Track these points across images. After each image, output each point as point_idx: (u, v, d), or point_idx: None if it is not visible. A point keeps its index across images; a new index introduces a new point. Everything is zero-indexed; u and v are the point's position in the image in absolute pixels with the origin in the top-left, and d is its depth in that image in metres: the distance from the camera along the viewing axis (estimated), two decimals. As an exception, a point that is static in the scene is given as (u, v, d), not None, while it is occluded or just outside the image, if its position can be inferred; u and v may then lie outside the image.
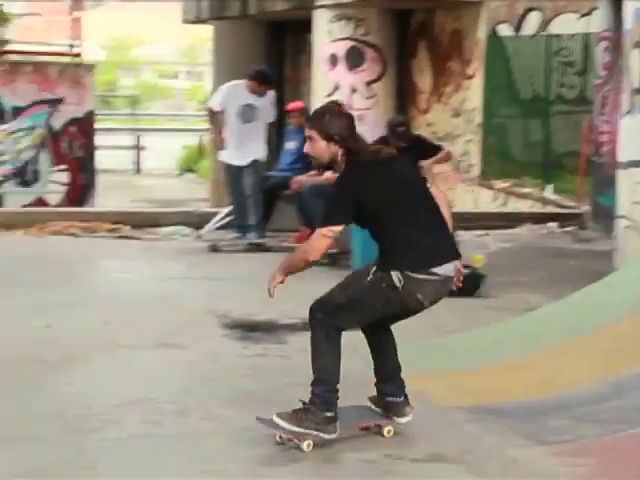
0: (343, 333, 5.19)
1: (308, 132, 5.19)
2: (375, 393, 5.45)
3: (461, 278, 5.22)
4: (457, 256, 5.18)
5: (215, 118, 11.09)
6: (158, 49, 51.48)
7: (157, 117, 34.58)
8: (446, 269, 5.08)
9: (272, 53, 20.43)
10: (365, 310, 5.12)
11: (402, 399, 5.35)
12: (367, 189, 5.08)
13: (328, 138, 5.13)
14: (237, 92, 10.84)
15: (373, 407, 5.44)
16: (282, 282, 5.11)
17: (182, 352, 6.97)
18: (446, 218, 5.22)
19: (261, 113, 10.86)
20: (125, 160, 22.39)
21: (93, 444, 5.27)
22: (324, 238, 5.06)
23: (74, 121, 14.39)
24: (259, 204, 10.85)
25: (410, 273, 5.01)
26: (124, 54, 49.29)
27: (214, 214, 11.72)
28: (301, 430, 5.12)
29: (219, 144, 11.12)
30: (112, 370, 6.58)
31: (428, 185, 5.28)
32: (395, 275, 5.03)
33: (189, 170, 23.69)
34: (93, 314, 7.94)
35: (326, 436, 5.14)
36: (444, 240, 5.16)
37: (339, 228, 5.07)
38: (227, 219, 11.25)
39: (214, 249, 10.90)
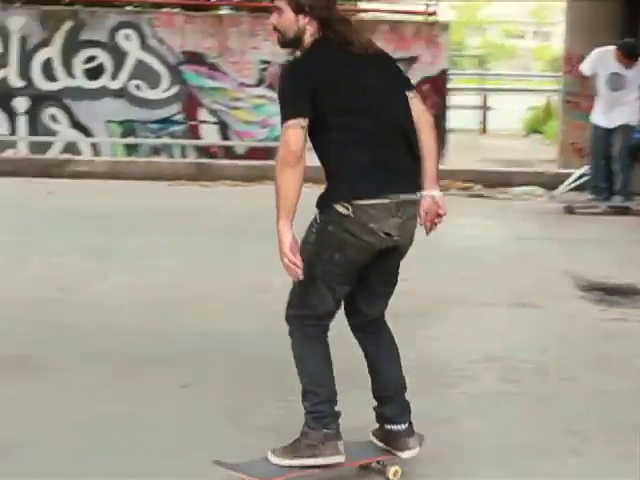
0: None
1: (277, 1, 4.16)
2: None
3: (441, 212, 4.21)
4: (414, 189, 4.11)
5: (585, 82, 11.03)
6: (505, 9, 51.05)
7: (503, 77, 34.27)
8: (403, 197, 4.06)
9: (627, 21, 19.64)
10: (327, 274, 4.05)
11: (405, 426, 4.27)
12: (324, 83, 4.00)
13: (298, 9, 4.11)
14: (606, 59, 10.66)
15: (375, 441, 4.36)
16: (290, 239, 3.95)
17: (537, 312, 6.91)
18: (426, 144, 4.17)
19: (630, 83, 10.61)
20: (471, 120, 22.33)
21: (452, 398, 5.32)
22: (293, 129, 3.91)
23: (427, 79, 14.47)
24: (626, 168, 10.65)
25: (356, 201, 3.98)
26: (472, 14, 49.22)
27: (567, 175, 11.52)
28: (296, 462, 4.14)
29: (588, 108, 11.02)
30: (467, 326, 6.62)
31: (411, 96, 4.19)
32: (340, 205, 3.99)
33: (535, 131, 23.32)
34: (448, 269, 8.01)
35: (327, 460, 4.14)
36: (406, 171, 4.09)
37: (305, 121, 3.95)
38: (582, 180, 11.04)
39: (569, 210, 10.73)
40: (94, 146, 13.74)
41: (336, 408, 4.21)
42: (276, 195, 3.96)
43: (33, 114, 13.64)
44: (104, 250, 8.31)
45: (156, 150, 13.79)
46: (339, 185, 4.01)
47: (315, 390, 4.17)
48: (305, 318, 4.15)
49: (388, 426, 4.27)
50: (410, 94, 4.18)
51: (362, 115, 4.02)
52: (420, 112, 4.18)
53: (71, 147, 13.63)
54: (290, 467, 4.13)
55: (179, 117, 13.79)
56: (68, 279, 7.44)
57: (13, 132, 13.68)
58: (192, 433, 4.74)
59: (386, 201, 4.00)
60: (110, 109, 13.66)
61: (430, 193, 4.20)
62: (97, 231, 8.92)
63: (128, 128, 13.76)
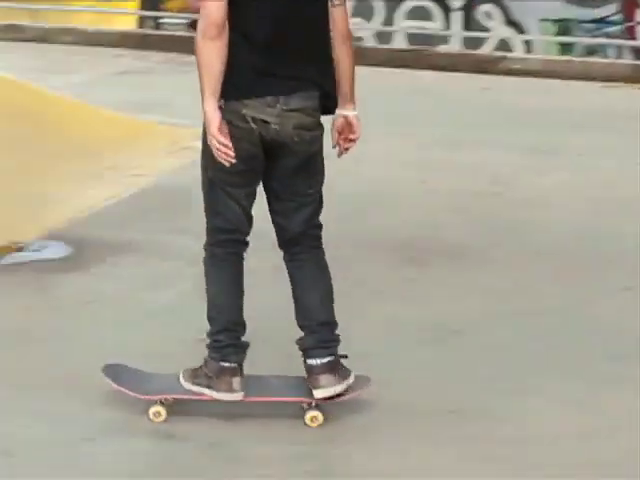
0: None
1: None
2: None
3: (352, 136, 3.92)
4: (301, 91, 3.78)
5: None
6: None
7: None
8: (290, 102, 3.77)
9: None
10: (218, 173, 3.82)
11: (321, 361, 3.92)
12: None
13: None
14: None
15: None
16: (218, 119, 3.72)
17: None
18: (339, 58, 3.85)
19: None
20: None
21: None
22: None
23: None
24: None
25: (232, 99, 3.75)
26: None
27: None
28: (193, 388, 3.96)
29: None
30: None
31: (335, 3, 3.86)
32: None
33: None
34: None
35: (221, 396, 3.92)
36: (299, 76, 3.78)
37: None
38: None
39: None
40: (527, 44, 13.63)
41: (241, 340, 3.95)
42: (199, 72, 3.73)
43: (467, 10, 13.72)
44: (541, 147, 8.29)
45: (590, 50, 13.47)
46: (224, 80, 3.73)
47: (214, 317, 3.93)
48: (213, 232, 3.94)
49: (306, 360, 3.96)
50: (337, 1, 3.87)
51: (265, 11, 3.74)
52: (337, 21, 3.87)
53: (504, 44, 13.60)
54: (190, 391, 3.98)
55: (616, 17, 13.34)
56: (505, 175, 7.49)
57: (447, 27, 13.85)
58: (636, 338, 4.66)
59: (266, 98, 3.77)
60: (545, 7, 13.45)
61: (343, 112, 3.94)
62: (534, 128, 8.88)
63: (563, 27, 13.51)
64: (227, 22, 3.67)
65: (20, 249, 5.90)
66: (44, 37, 12.50)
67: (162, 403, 3.94)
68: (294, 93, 3.78)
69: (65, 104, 8.96)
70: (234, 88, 3.73)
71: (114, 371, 4.06)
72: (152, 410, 3.92)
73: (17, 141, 7.89)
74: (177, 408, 4.00)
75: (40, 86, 9.18)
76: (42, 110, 8.62)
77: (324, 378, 3.87)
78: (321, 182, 4.00)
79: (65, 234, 6.15)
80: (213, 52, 3.67)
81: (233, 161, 3.72)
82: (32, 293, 5.29)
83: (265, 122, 3.77)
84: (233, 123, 3.76)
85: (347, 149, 4.01)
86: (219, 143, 3.70)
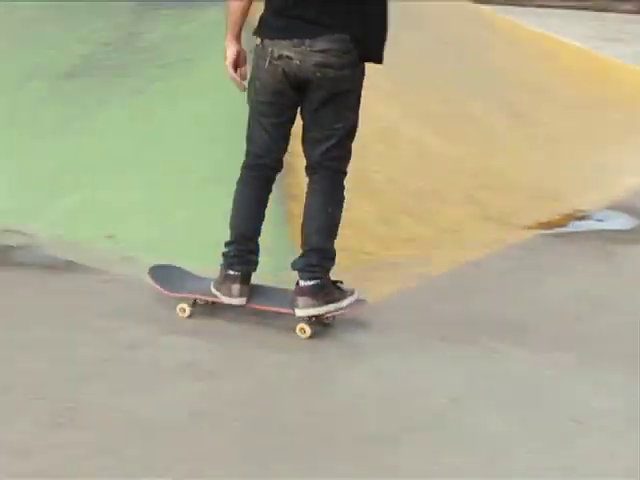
0: None
1: None
2: None
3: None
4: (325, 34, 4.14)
5: None
6: None
7: None
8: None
9: None
10: (254, 104, 4.30)
11: (303, 284, 4.21)
12: None
13: None
14: None
15: None
16: (233, 54, 4.30)
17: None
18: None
19: None
20: None
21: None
22: None
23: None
24: None
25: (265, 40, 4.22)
26: None
27: None
28: (212, 291, 4.33)
29: None
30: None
31: None
32: (256, 37, 4.25)
33: None
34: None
35: (222, 298, 4.31)
36: (326, 23, 4.13)
37: None
38: None
39: None
40: None
41: (248, 254, 4.29)
42: (227, 16, 4.31)
43: None
44: None
45: None
46: (259, 22, 4.24)
47: (230, 230, 4.31)
48: (247, 156, 4.33)
49: (297, 279, 4.26)
50: None
51: None
52: None
53: None
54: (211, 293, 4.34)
55: None
56: None
57: None
58: None
59: (292, 40, 4.15)
60: None
61: None
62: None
63: None
64: None
65: (583, 217, 5.91)
66: (603, 6, 12.43)
67: (195, 302, 4.39)
68: (319, 36, 4.13)
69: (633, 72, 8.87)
70: (267, 30, 4.21)
71: (158, 272, 4.52)
72: (178, 306, 4.36)
73: (579, 109, 7.93)
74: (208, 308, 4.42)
75: (600, 54, 9.16)
76: (604, 79, 8.59)
77: (302, 300, 4.20)
78: (351, 120, 4.27)
79: (628, 205, 6.08)
80: (235, 4, 4.24)
81: (243, 90, 4.31)
82: (595, 260, 5.27)
83: (289, 58, 4.15)
84: (264, 60, 4.20)
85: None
86: (230, 76, 4.32)
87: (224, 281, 4.29)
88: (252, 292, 4.32)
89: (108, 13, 6.97)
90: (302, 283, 4.21)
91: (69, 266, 4.86)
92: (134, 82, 6.20)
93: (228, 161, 4.61)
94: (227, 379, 3.78)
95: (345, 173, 4.29)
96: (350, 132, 4.27)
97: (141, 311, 4.37)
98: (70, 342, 4.03)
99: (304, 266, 4.22)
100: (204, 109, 5.84)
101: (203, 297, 4.36)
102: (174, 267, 4.56)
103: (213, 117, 5.76)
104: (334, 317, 4.27)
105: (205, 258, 4.60)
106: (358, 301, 4.29)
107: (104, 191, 5.47)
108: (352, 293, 4.27)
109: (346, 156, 4.29)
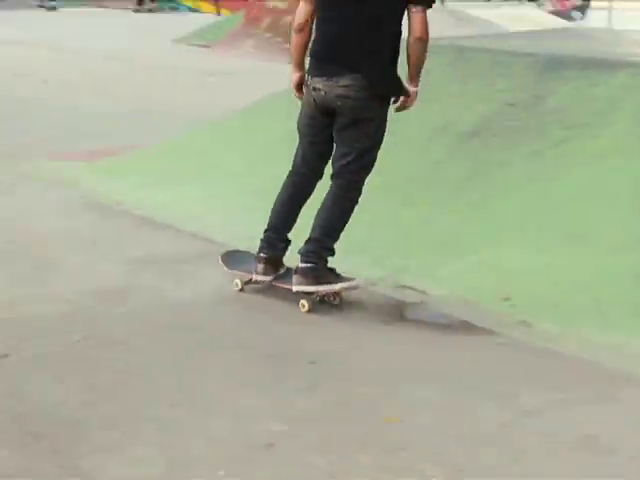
0: None
1: None
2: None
3: (408, 104, 5.22)
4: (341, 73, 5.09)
5: None
6: None
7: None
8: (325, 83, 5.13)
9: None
10: (299, 125, 5.32)
11: (299, 265, 5.11)
12: None
13: None
14: None
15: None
16: (296, 78, 5.37)
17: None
18: (410, 51, 5.11)
19: None
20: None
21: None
22: (298, 2, 5.22)
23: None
24: None
25: (309, 76, 5.23)
26: None
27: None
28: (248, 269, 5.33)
29: None
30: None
31: (413, 10, 5.04)
32: (306, 75, 5.25)
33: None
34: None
35: (253, 275, 5.26)
36: (348, 63, 5.07)
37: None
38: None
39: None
40: None
41: (277, 241, 5.22)
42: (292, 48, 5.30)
43: None
44: None
45: None
46: (310, 61, 5.23)
47: (268, 219, 5.27)
48: (292, 166, 5.33)
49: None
50: (414, 8, 5.02)
51: (332, 8, 5.11)
52: (413, 24, 5.02)
53: None
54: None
55: None
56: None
57: None
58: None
59: (323, 77, 5.12)
60: None
61: (406, 86, 5.19)
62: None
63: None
64: (311, 20, 5.15)
65: None
66: None
67: (250, 280, 5.28)
68: (343, 76, 5.03)
69: None
70: (310, 68, 5.17)
71: (229, 257, 5.48)
72: (234, 281, 5.33)
73: None
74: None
75: None
76: None
77: (296, 278, 5.08)
78: (368, 144, 5.13)
79: None
80: (296, 40, 5.19)
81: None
82: None
83: (320, 90, 5.09)
84: (306, 91, 5.19)
85: (400, 110, 5.26)
86: (295, 95, 5.31)
87: (255, 261, 5.23)
88: (285, 273, 5.23)
89: (511, 74, 6.99)
90: (298, 265, 5.07)
91: (464, 326, 4.91)
92: (536, 143, 6.17)
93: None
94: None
95: (359, 182, 5.16)
96: (367, 151, 5.13)
97: (535, 378, 4.32)
98: (468, 404, 4.06)
99: (304, 252, 5.08)
100: (602, 174, 5.72)
101: (240, 273, 5.30)
102: (244, 252, 5.49)
103: (612, 183, 5.63)
104: (341, 299, 5.13)
105: (624, 327, 4.60)
106: (355, 287, 5.12)
107: (502, 251, 5.47)
108: (350, 280, 5.09)
109: (363, 169, 5.17)
